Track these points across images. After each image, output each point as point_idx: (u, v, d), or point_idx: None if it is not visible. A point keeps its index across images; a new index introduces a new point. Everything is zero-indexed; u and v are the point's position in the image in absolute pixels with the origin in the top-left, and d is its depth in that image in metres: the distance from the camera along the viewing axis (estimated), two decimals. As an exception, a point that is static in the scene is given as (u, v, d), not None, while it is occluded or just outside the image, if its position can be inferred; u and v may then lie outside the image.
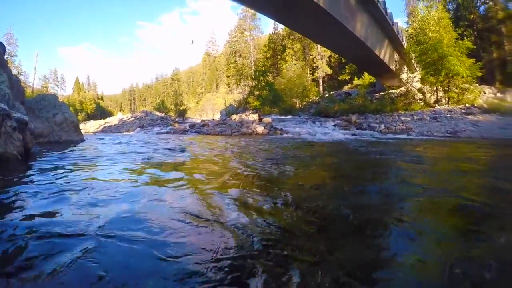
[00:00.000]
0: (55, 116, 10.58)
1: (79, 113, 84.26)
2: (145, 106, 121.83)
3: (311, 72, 51.91)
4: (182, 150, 6.96)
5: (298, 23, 20.62)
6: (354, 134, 13.71)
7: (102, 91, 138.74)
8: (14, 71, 64.07)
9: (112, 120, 48.63)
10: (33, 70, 70.80)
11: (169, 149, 7.33)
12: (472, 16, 35.62)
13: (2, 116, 4.08)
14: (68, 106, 12.23)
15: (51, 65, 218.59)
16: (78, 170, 3.94)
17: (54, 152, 6.01)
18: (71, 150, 6.80)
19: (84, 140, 11.22)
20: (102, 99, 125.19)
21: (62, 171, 3.85)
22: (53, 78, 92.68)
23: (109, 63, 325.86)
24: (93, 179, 3.50)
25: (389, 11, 25.19)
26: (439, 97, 25.76)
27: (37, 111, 10.34)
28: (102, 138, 13.86)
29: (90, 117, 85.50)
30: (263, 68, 47.59)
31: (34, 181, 3.18)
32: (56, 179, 3.37)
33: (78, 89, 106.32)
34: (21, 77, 67.61)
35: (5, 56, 8.81)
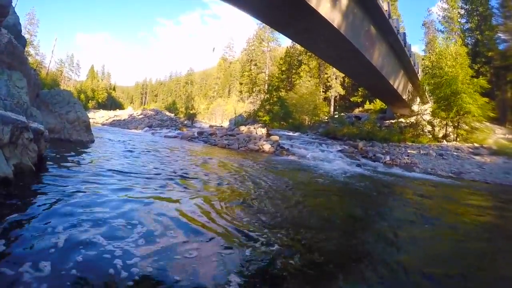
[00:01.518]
0: (68, 113, 10.70)
1: (90, 101, 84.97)
2: (156, 102, 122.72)
3: (323, 90, 51.94)
4: (192, 174, 7.04)
5: (316, 47, 20.72)
6: (358, 165, 13.70)
7: (115, 81, 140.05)
8: (32, 51, 64.89)
9: (121, 114, 48.98)
10: (51, 53, 71.79)
11: (177, 172, 7.37)
12: (490, 53, 35.37)
13: (20, 129, 4.22)
14: (81, 104, 12.34)
15: (68, 50, 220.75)
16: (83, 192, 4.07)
17: (64, 160, 6.14)
18: (81, 158, 6.92)
19: (94, 141, 11.33)
20: (114, 89, 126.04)
21: (73, 190, 3.99)
22: (69, 62, 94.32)
23: (125, 55, 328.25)
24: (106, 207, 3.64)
25: (408, 43, 25.28)
26: (447, 132, 25.70)
27: (50, 106, 10.45)
28: (111, 140, 13.97)
29: (100, 106, 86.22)
30: (277, 83, 47.76)
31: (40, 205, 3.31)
32: (67, 201, 3.50)
33: (92, 76, 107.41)
34: (38, 57, 68.44)
35: (25, 35, 8.92)
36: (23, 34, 9.42)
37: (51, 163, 5.50)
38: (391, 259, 3.02)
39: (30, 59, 55.51)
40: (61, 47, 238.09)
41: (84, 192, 3.97)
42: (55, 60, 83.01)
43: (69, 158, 6.41)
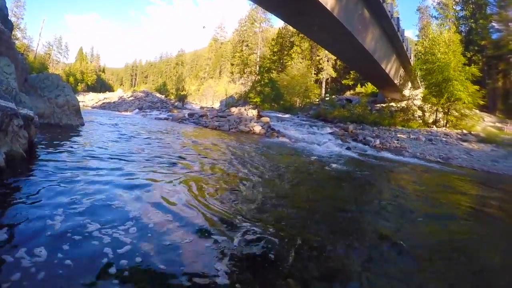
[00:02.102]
0: (57, 97, 10.51)
1: (79, 83, 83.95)
2: (146, 83, 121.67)
3: (315, 72, 51.90)
4: (183, 157, 6.99)
5: (309, 29, 20.55)
6: (348, 148, 13.73)
7: (105, 63, 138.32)
8: (19, 34, 63.63)
9: (111, 96, 48.52)
10: (38, 36, 70.69)
11: (168, 155, 7.33)
12: (483, 42, 35.43)
13: (10, 116, 4.14)
14: (70, 87, 12.15)
15: (56, 31, 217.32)
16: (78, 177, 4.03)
17: (55, 145, 6.07)
18: (72, 143, 6.84)
19: (84, 125, 11.19)
20: (103, 71, 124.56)
21: (65, 176, 3.95)
22: (57, 45, 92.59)
23: (115, 36, 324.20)
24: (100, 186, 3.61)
25: (401, 27, 25.17)
26: (437, 118, 25.96)
27: (39, 90, 10.26)
28: (102, 123, 13.82)
29: (90, 88, 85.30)
30: (269, 64, 47.53)
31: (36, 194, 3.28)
32: (59, 188, 3.47)
33: (81, 59, 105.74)
34: (25, 41, 67.20)
35: (12, 18, 8.71)
36: (9, 18, 9.19)
37: (42, 149, 5.42)
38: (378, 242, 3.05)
39: (17, 42, 54.41)
40: (49, 29, 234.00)
41: (76, 177, 3.92)
42: (42, 43, 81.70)
43: (59, 143, 6.32)
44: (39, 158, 4.76)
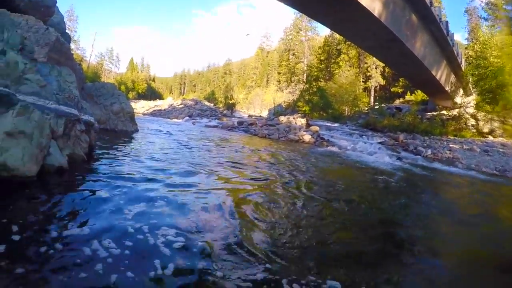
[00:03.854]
0: (112, 105, 11.32)
1: (130, 92, 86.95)
2: (194, 92, 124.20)
3: (363, 80, 51.17)
4: (237, 165, 7.30)
5: (356, 36, 20.70)
6: (399, 158, 13.69)
7: (155, 73, 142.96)
8: (73, 46, 67.01)
9: (162, 104, 50.06)
10: (91, 47, 74.21)
11: (222, 163, 7.60)
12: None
13: (73, 122, 4.62)
14: (125, 96, 12.91)
15: (106, 44, 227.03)
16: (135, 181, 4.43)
17: (113, 149, 6.58)
18: (128, 147, 7.36)
19: (138, 131, 11.83)
20: (153, 80, 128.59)
21: (122, 177, 4.38)
22: (109, 56, 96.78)
23: (163, 47, 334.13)
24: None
25: (450, 31, 24.63)
26: (493, 127, 24.79)
27: (95, 98, 11.05)
28: (154, 130, 14.44)
29: (140, 96, 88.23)
30: (316, 73, 47.48)
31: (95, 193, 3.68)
32: (118, 188, 3.89)
33: (132, 68, 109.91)
34: (79, 52, 70.79)
35: (67, 31, 9.33)
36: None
37: (100, 152, 5.95)
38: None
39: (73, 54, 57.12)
40: (99, 42, 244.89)
41: (135, 179, 4.36)
42: (95, 54, 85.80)
43: (117, 148, 6.89)
44: (99, 161, 5.29)
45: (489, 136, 23.91)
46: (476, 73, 26.25)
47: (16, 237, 2.22)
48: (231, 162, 7.18)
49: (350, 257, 2.88)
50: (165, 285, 2.00)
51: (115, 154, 6.05)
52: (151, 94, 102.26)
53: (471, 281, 2.77)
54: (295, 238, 3.13)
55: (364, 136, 22.09)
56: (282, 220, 3.70)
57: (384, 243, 3.37)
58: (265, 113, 52.84)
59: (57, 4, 6.99)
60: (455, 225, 4.64)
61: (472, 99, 28.81)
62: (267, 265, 2.42)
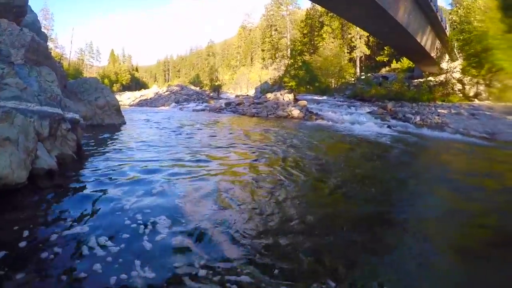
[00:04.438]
0: (97, 99, 11.21)
1: (114, 84, 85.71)
2: (179, 77, 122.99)
3: (348, 51, 51.01)
4: (231, 147, 7.28)
5: (337, 6, 20.40)
6: (389, 127, 13.77)
7: (137, 62, 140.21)
8: (51, 45, 65.75)
9: (147, 93, 49.40)
10: (70, 43, 73.05)
11: (215, 145, 7.60)
12: (527, 5, 33.39)
13: (58, 121, 4.55)
14: (109, 89, 12.77)
15: (85, 37, 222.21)
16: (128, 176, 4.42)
17: (101, 144, 6.53)
18: (117, 141, 7.30)
19: (125, 123, 11.76)
20: (137, 70, 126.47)
21: (113, 174, 4.38)
22: (89, 50, 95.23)
23: (143, 35, 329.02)
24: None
25: (434, -3, 24.45)
26: (479, 91, 24.88)
27: (79, 94, 10.93)
28: (142, 120, 14.34)
29: (125, 88, 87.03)
30: (300, 47, 47.14)
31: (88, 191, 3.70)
32: (110, 185, 3.89)
33: (113, 60, 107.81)
34: (58, 50, 69.57)
35: (43, 29, 9.13)
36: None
37: (89, 149, 5.90)
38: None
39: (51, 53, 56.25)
40: (78, 35, 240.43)
41: (125, 173, 4.36)
42: (75, 50, 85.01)
43: (105, 142, 6.87)
44: (88, 158, 5.26)
45: (475, 99, 23.99)
46: (461, 38, 26.16)
47: (13, 244, 2.28)
48: (220, 145, 7.19)
49: (343, 238, 3.00)
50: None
51: (104, 149, 6.00)
52: (136, 84, 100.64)
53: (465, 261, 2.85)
54: (284, 220, 3.26)
55: (352, 107, 22.11)
56: (268, 201, 3.77)
57: (378, 220, 3.49)
58: (252, 92, 52.46)
59: (28, 3, 6.85)
60: (451, 196, 4.72)
61: (458, 64, 28.83)
62: (255, 249, 2.58)
